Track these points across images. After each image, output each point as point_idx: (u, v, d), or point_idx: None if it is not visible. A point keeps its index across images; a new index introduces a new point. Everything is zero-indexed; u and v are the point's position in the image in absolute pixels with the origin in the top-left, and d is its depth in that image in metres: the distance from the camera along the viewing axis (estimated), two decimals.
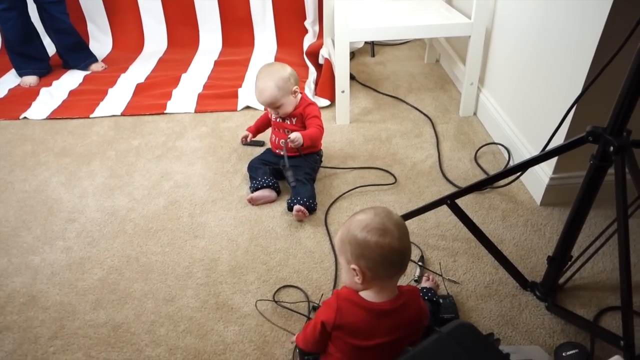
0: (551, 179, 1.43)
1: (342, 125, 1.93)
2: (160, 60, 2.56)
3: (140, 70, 2.45)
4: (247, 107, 2.07)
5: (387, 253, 0.84)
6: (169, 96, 2.16)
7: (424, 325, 0.94)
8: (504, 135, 1.72)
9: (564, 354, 1.05)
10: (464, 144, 1.79)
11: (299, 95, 1.55)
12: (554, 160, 1.41)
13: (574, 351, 1.05)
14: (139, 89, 2.23)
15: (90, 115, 2.04)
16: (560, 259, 1.12)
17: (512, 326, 1.13)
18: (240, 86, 2.22)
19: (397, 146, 1.79)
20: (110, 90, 2.23)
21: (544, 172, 1.46)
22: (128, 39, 2.72)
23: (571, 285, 1.23)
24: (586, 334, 1.10)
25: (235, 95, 2.14)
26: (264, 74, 1.51)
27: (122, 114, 2.05)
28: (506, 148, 1.69)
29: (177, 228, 1.45)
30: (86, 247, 1.39)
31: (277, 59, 2.52)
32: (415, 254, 1.32)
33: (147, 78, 2.35)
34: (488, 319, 1.15)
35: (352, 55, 2.53)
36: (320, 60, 2.31)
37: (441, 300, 1.15)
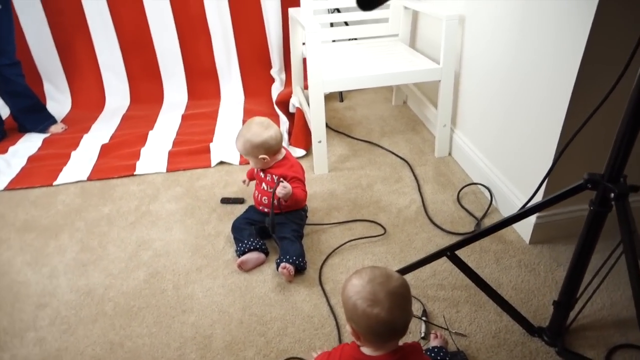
0: (538, 217, 1.45)
1: (321, 175, 1.90)
2: (124, 118, 2.48)
3: (103, 129, 2.35)
4: (222, 163, 2.01)
5: (373, 324, 0.84)
6: (137, 156, 2.07)
7: None
8: (482, 174, 1.74)
9: None
10: (445, 185, 1.80)
11: (282, 154, 1.51)
12: (539, 198, 1.43)
13: None
14: (105, 150, 2.13)
15: (54, 183, 1.92)
16: (566, 303, 1.11)
17: None
18: (211, 140, 2.17)
19: (380, 193, 1.78)
20: (73, 154, 2.11)
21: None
22: (88, 97, 2.62)
23: (575, 326, 1.22)
24: None
25: (207, 151, 2.08)
26: (244, 127, 1.49)
27: (89, 179, 1.94)
28: (487, 187, 1.71)
29: (162, 304, 1.35)
30: (62, 336, 1.26)
31: (245, 109, 2.49)
32: (417, 308, 1.28)
33: (112, 137, 2.25)
34: None
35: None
36: (291, 109, 2.30)
37: (452, 359, 1.11)
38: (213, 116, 2.44)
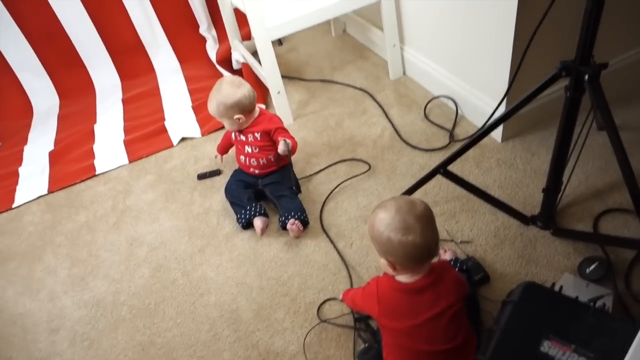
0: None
1: (287, 125, 1.87)
2: (61, 118, 2.30)
3: (43, 135, 2.18)
4: (184, 139, 1.94)
5: (410, 250, 0.89)
6: (92, 155, 1.95)
7: (464, 292, 0.99)
8: (442, 86, 1.78)
9: (587, 270, 1.15)
10: (409, 106, 1.83)
11: (257, 111, 1.48)
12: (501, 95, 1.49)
13: (594, 265, 1.15)
14: (54, 157, 1.99)
15: (13, 206, 1.80)
16: (554, 187, 1.20)
17: (534, 263, 1.21)
18: (164, 118, 2.07)
19: (350, 129, 1.79)
20: (21, 170, 1.96)
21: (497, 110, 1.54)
22: (11, 105, 2.39)
23: (560, 206, 1.33)
24: (595, 245, 1.21)
25: (164, 130, 1.99)
26: (214, 89, 1.45)
27: (50, 191, 1.82)
28: (450, 98, 1.76)
29: (178, 293, 1.35)
30: (88, 353, 1.25)
31: (186, 77, 2.37)
32: None
33: (57, 142, 2.10)
34: (512, 265, 1.22)
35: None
36: (236, 66, 2.21)
37: (466, 266, 1.19)
38: (155, 93, 2.30)
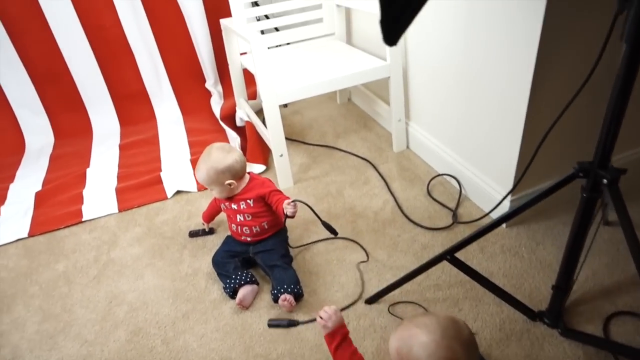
0: (511, 201, 1.50)
1: (286, 189, 1.84)
2: (53, 158, 2.24)
3: (31, 174, 2.11)
4: (178, 192, 1.88)
5: None
6: (80, 200, 1.88)
7: None
8: (445, 164, 1.78)
9: None
10: (412, 181, 1.82)
11: (247, 178, 1.43)
12: (510, 182, 1.48)
13: None
14: (40, 198, 1.91)
15: None
16: (564, 286, 1.16)
17: None
18: (160, 169, 2.02)
19: (351, 198, 1.75)
20: (2, 209, 1.87)
21: (501, 195, 1.52)
22: (3, 140, 2.33)
23: (568, 303, 1.28)
24: (606, 352, 1.15)
25: (158, 181, 1.93)
26: (203, 156, 1.40)
27: (30, 234, 1.73)
28: (454, 177, 1.75)
29: None
30: None
31: (187, 128, 2.35)
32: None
33: (45, 183, 2.03)
34: None
35: None
36: (239, 123, 2.20)
37: None
38: (154, 141, 2.27)
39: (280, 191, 1.44)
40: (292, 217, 1.36)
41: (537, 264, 1.41)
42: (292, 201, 1.34)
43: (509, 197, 1.50)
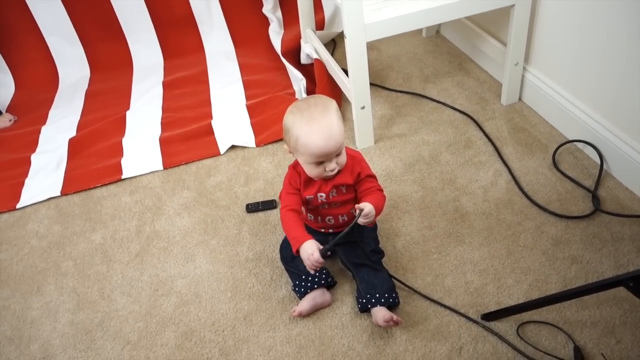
0: None
1: (366, 149, 1.48)
2: (89, 94, 1.93)
3: (65, 115, 1.82)
4: (233, 147, 1.55)
5: None
6: (119, 151, 1.59)
7: None
8: (578, 126, 1.34)
9: None
10: (530, 146, 1.40)
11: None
12: None
13: None
14: (74, 146, 1.63)
15: (18, 206, 1.45)
16: None
17: None
18: (211, 116, 1.69)
19: (450, 166, 1.37)
20: (33, 158, 1.61)
21: None
22: (35, 71, 2.04)
23: None
24: None
25: (210, 132, 1.61)
26: (319, 114, 0.91)
27: (63, 193, 1.47)
28: (591, 145, 1.32)
29: None
30: None
31: (241, 64, 1.97)
32: (564, 345, 0.94)
33: (80, 127, 1.74)
34: None
35: (334, 44, 2.03)
36: (305, 60, 1.81)
37: None
38: (203, 79, 1.92)
39: (374, 177, 1.06)
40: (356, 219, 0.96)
41: None
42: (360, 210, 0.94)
43: None
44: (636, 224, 1.15)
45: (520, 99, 1.58)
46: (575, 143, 1.37)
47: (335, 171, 0.96)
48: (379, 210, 0.98)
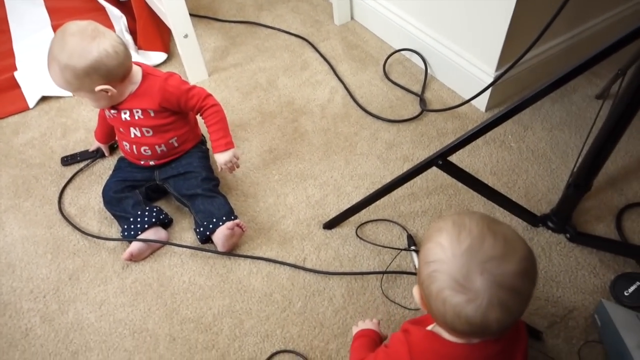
0: (496, 78, 1.17)
1: (200, 82, 1.37)
2: None
3: None
4: (45, 98, 1.34)
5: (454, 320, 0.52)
6: None
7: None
8: (403, 36, 1.38)
9: (625, 293, 0.87)
10: (362, 61, 1.41)
11: (138, 75, 0.95)
12: (495, 55, 1.14)
13: (635, 286, 0.87)
14: None
15: None
16: (584, 185, 0.88)
17: (554, 282, 0.91)
18: (14, 67, 1.43)
19: (288, 89, 1.34)
20: None
21: (483, 72, 1.19)
22: None
23: None
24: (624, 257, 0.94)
25: (14, 85, 1.37)
26: (55, 45, 0.87)
27: None
28: (416, 52, 1.36)
29: (34, 353, 0.85)
30: None
31: (49, 7, 1.69)
32: (399, 235, 0.98)
33: None
34: None
35: None
36: None
37: None
38: (2, 27, 1.62)
39: (201, 88, 0.97)
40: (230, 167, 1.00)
41: (528, 155, 1.13)
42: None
43: (493, 74, 1.16)
44: (457, 118, 1.22)
45: (352, 18, 1.57)
46: (402, 52, 1.41)
47: (95, 105, 0.94)
48: (225, 126, 0.98)
